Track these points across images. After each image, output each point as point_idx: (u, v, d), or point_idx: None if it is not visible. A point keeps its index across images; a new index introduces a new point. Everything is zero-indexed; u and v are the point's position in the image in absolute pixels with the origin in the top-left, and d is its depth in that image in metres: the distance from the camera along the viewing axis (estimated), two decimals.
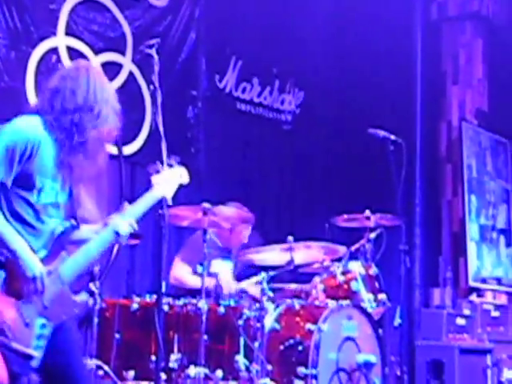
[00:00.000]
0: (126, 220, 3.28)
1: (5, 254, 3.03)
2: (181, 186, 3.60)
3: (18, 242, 3.04)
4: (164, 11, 6.81)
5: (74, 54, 6.08)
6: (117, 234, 3.26)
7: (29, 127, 3.10)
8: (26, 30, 5.88)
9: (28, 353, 3.03)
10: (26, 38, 5.87)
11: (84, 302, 3.28)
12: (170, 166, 3.54)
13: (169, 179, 3.48)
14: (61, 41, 6.10)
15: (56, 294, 3.13)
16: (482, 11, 9.10)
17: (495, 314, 7.82)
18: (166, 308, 4.77)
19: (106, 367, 4.55)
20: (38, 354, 3.06)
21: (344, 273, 5.50)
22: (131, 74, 6.48)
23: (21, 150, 3.04)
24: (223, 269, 5.56)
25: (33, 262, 3.06)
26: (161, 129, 3.90)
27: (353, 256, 5.75)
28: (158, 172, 3.48)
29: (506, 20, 9.37)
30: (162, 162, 3.52)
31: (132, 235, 4.94)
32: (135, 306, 4.92)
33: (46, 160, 3.11)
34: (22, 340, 3.01)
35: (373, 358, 4.97)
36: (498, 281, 8.91)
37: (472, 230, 8.69)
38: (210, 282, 5.11)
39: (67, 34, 6.13)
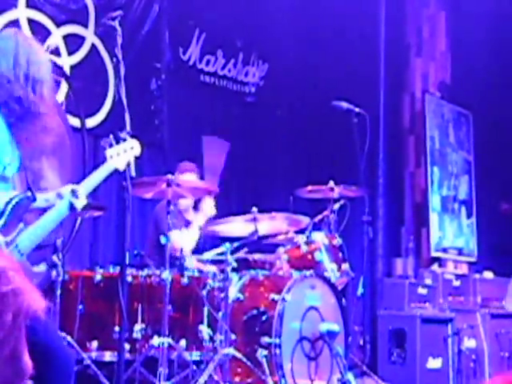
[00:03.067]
0: (80, 192, 3.31)
1: None
2: (136, 159, 3.69)
3: None
4: None
5: (35, 26, 6.02)
6: (71, 205, 3.29)
7: None
8: None
9: None
10: None
11: (43, 273, 3.30)
12: (123, 139, 3.64)
13: (121, 152, 3.58)
14: (22, 13, 6.02)
15: None
16: None
17: (456, 283, 7.92)
18: (129, 279, 4.79)
19: (69, 338, 4.56)
20: None
21: (308, 243, 5.56)
22: (94, 46, 6.43)
23: None
24: (183, 240, 5.62)
25: None
26: (124, 101, 3.92)
27: (316, 227, 5.81)
28: (111, 145, 3.59)
29: None
30: (114, 136, 3.62)
31: (95, 207, 4.97)
32: (98, 277, 4.93)
33: None
34: None
35: (336, 327, 5.03)
36: (459, 251, 9.04)
37: (434, 201, 8.79)
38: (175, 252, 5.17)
39: (28, 6, 6.05)
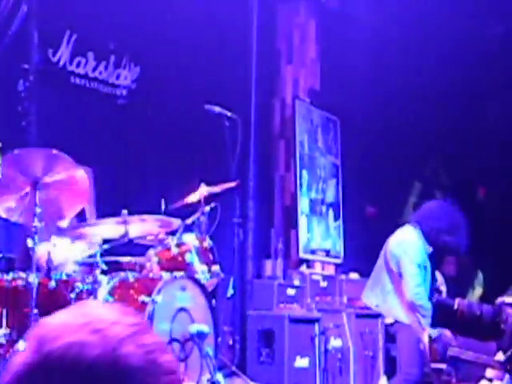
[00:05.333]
0: None
1: None
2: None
3: None
4: None
5: None
6: None
7: None
8: None
9: None
10: None
11: None
12: None
13: None
14: None
15: None
16: None
17: (323, 284, 8.14)
18: None
19: None
20: None
21: (178, 245, 5.60)
22: None
23: None
24: (57, 241, 5.54)
25: None
26: None
27: (188, 229, 5.87)
28: None
29: (337, 3, 9.75)
30: None
31: None
32: None
33: None
34: None
35: (205, 328, 5.08)
36: (327, 252, 9.29)
37: (303, 204, 9.01)
38: (41, 256, 5.08)
39: None
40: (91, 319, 1.19)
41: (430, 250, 5.79)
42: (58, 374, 1.15)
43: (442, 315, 5.65)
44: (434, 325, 5.59)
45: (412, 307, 5.60)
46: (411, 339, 5.66)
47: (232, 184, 6.22)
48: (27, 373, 1.17)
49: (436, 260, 6.00)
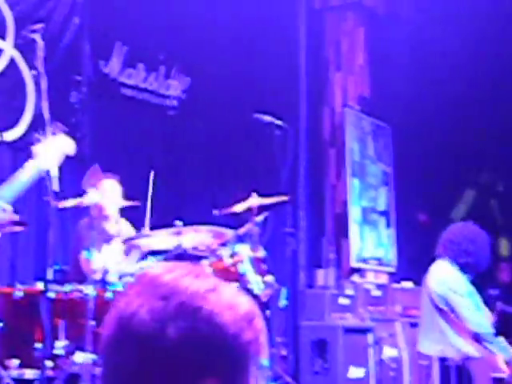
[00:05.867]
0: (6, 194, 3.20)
1: None
2: (67, 158, 3.43)
3: None
4: None
5: None
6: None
7: None
8: None
9: None
10: None
11: None
12: (53, 134, 3.38)
13: (51, 148, 3.29)
14: None
15: None
16: (363, 1, 9.36)
17: (376, 293, 8.06)
18: (51, 295, 4.72)
19: None
20: None
21: (231, 256, 5.57)
22: (12, 59, 6.33)
23: None
24: (111, 253, 5.57)
25: None
26: (46, 114, 3.85)
27: (240, 239, 5.84)
28: (39, 141, 3.29)
29: (385, 9, 9.67)
30: (44, 132, 3.33)
31: (16, 222, 4.88)
32: (19, 293, 4.84)
33: None
34: None
35: None
36: (379, 261, 9.21)
37: (354, 212, 8.94)
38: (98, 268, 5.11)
39: None
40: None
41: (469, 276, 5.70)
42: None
43: (502, 323, 5.54)
44: (496, 334, 5.48)
45: (477, 338, 5.49)
46: (487, 371, 5.54)
47: (284, 198, 6.18)
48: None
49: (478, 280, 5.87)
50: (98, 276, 5.02)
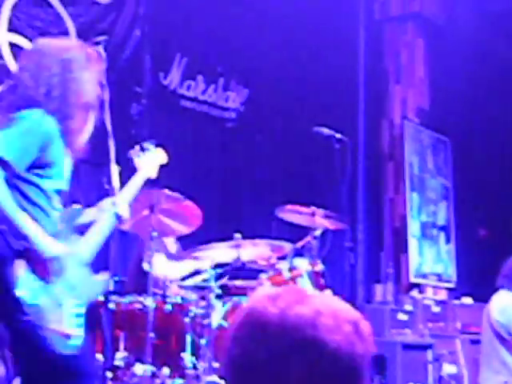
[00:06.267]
0: (120, 203, 3.48)
1: (22, 244, 3.06)
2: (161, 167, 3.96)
3: (31, 227, 3.08)
4: (108, 8, 6.74)
5: (16, 50, 5.98)
6: (118, 216, 3.46)
7: (44, 119, 3.20)
8: None
9: (65, 332, 3.13)
10: None
11: (106, 281, 3.50)
12: (146, 149, 3.93)
13: (150, 160, 3.85)
14: (3, 37, 5.99)
15: (79, 274, 3.26)
16: (422, 12, 9.26)
17: (436, 309, 7.94)
18: (111, 306, 4.73)
19: None
20: (77, 333, 3.19)
21: (290, 269, 5.52)
22: None
23: (39, 139, 3.16)
24: (167, 266, 5.58)
25: (48, 243, 3.11)
26: (108, 126, 3.90)
27: (299, 253, 5.79)
28: (138, 156, 3.83)
29: (445, 21, 9.55)
30: (140, 147, 3.92)
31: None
32: None
33: (57, 148, 3.25)
34: (57, 321, 3.11)
35: None
36: (439, 277, 9.06)
37: (413, 227, 8.81)
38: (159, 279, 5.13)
39: (10, 30, 6.01)
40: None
41: None
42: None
43: None
44: None
45: None
46: None
47: (343, 225, 6.10)
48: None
49: None
50: (157, 288, 5.02)
